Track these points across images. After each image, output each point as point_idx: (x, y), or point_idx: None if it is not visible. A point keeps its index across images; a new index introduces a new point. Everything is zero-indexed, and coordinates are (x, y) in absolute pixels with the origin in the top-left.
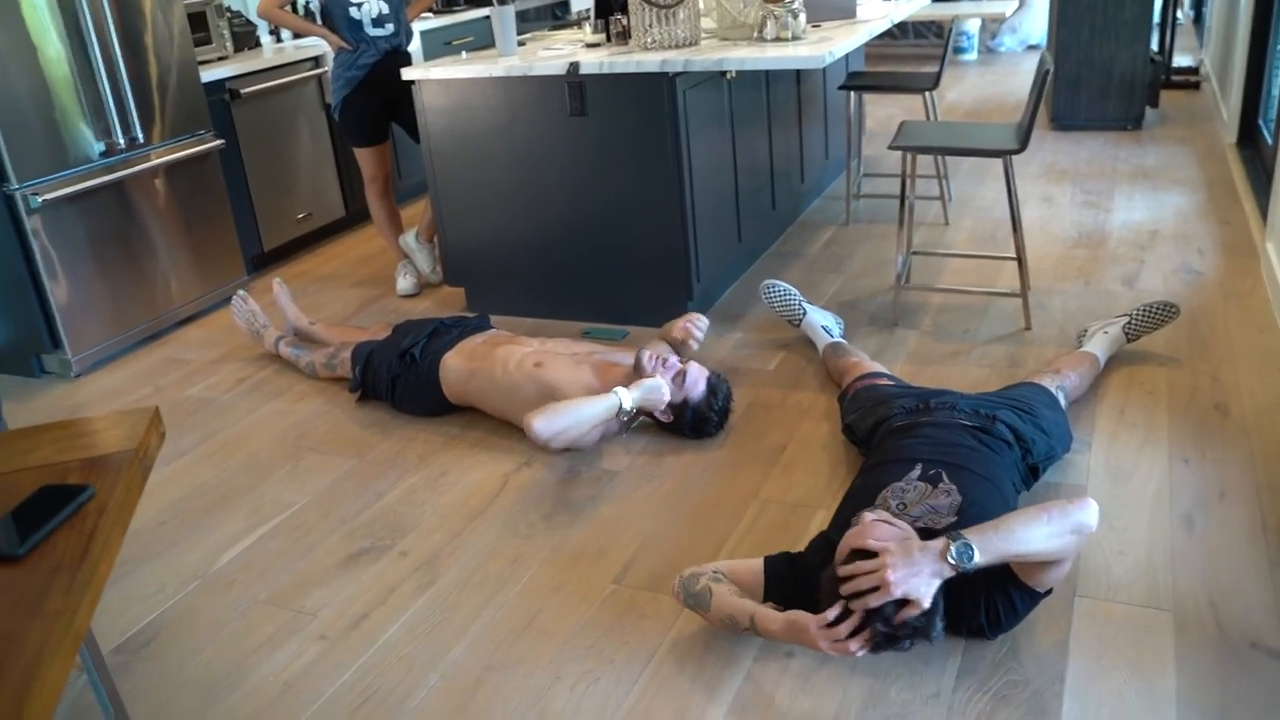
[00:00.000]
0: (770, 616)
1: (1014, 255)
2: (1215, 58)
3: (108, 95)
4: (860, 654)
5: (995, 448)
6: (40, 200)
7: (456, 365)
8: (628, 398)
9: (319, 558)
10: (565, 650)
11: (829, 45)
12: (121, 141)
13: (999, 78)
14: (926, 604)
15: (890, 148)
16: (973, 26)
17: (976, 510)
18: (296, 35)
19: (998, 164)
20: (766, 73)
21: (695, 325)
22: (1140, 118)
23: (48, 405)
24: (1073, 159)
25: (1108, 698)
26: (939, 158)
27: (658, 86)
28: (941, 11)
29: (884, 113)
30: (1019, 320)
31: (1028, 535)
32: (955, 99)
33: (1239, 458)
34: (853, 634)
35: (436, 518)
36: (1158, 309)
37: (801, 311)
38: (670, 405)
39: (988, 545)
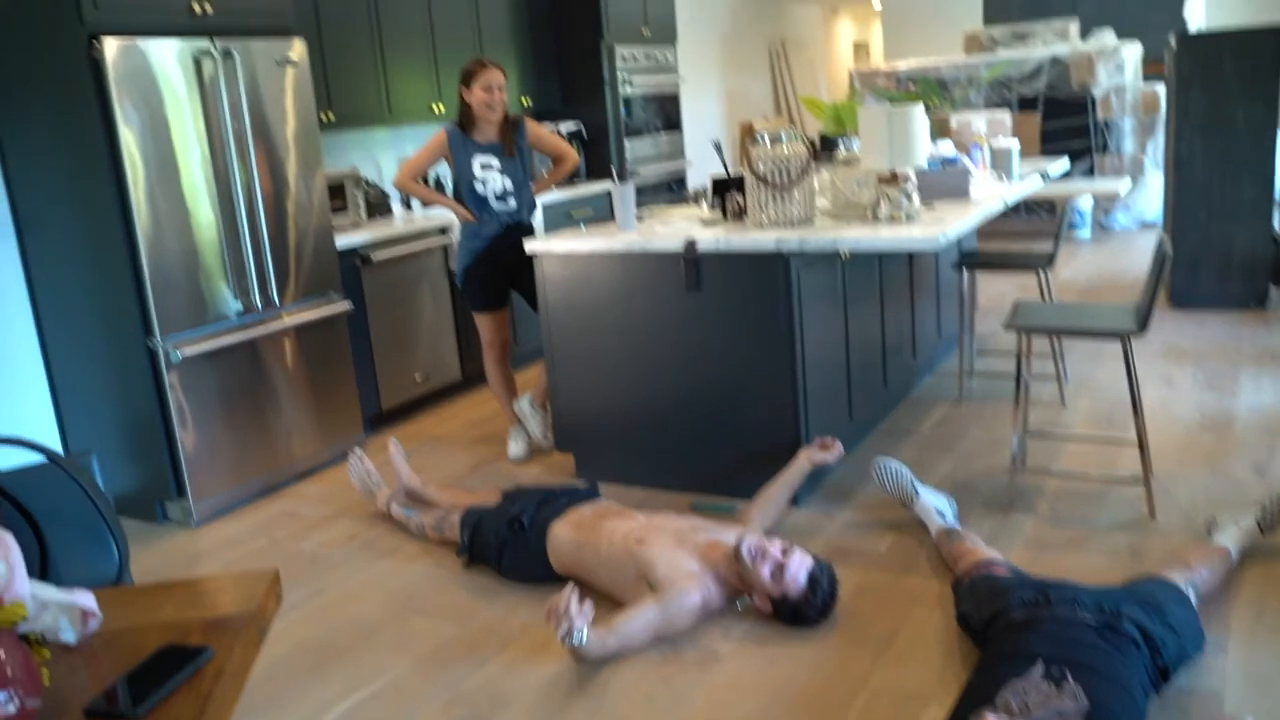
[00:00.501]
0: None
1: (1135, 439)
2: None
3: (250, 259)
4: None
5: (1122, 647)
6: (180, 354)
7: (564, 536)
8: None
9: None
10: None
11: (943, 227)
12: (258, 302)
13: (1113, 255)
14: None
15: (1006, 328)
16: (1085, 204)
17: (1105, 717)
18: (426, 205)
19: (1114, 343)
20: (880, 252)
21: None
22: (1264, 297)
23: (168, 552)
24: (1193, 339)
25: None
26: (1054, 336)
27: (772, 264)
28: (1055, 190)
29: (996, 289)
30: (1141, 508)
31: None
32: (1069, 276)
33: None
34: None
35: (539, 690)
36: None
37: (913, 492)
38: (769, 598)
39: None
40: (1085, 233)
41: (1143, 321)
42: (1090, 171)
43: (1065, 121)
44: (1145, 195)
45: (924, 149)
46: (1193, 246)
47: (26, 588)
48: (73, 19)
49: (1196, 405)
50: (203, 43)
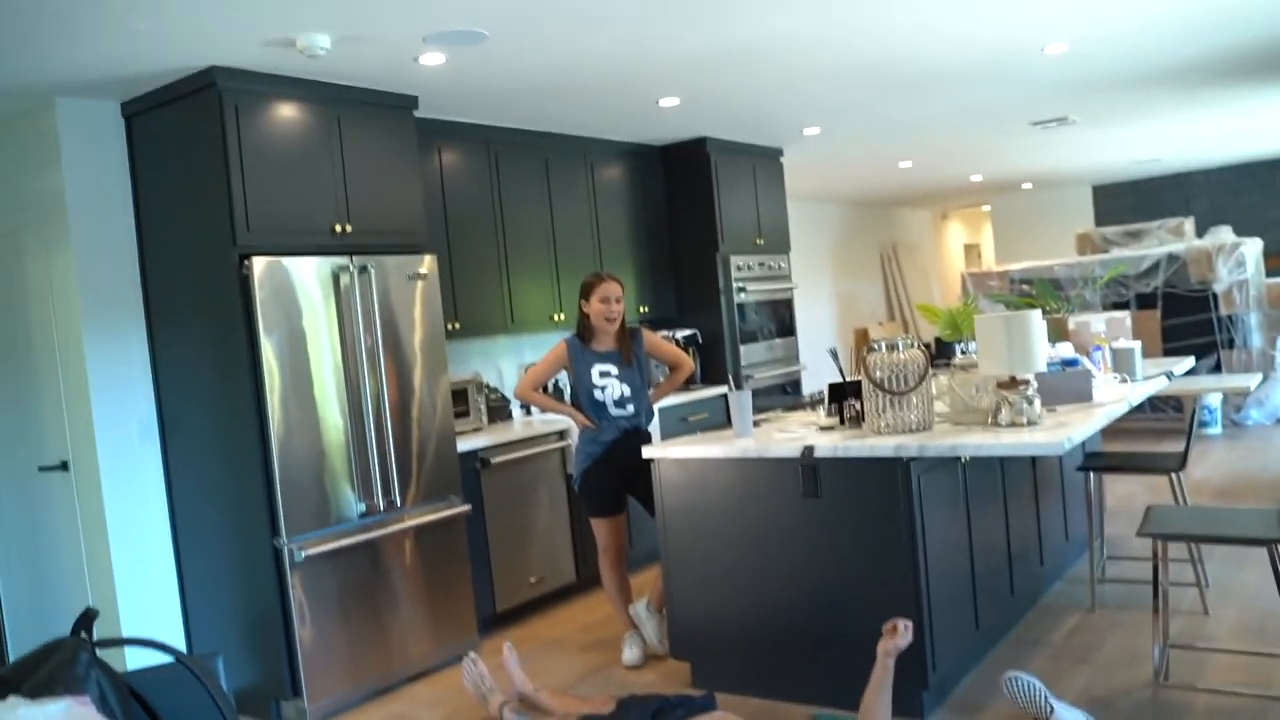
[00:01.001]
0: None
1: None
2: None
3: (374, 462)
4: None
5: None
6: (304, 555)
7: None
8: None
9: None
10: None
11: (1065, 431)
12: (380, 504)
13: (1247, 453)
14: None
15: (1140, 535)
16: (1215, 400)
17: None
18: (545, 412)
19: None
20: (1001, 457)
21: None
22: None
23: None
24: None
25: None
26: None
27: (891, 470)
28: (1181, 387)
29: (1125, 489)
30: None
31: None
32: (1202, 476)
33: None
34: None
35: None
36: None
37: (1049, 709)
38: None
39: None
40: (1216, 430)
41: None
42: (1217, 367)
43: (1186, 318)
44: (1278, 390)
45: (1042, 353)
46: None
47: None
48: (226, 241)
49: None
50: (342, 260)
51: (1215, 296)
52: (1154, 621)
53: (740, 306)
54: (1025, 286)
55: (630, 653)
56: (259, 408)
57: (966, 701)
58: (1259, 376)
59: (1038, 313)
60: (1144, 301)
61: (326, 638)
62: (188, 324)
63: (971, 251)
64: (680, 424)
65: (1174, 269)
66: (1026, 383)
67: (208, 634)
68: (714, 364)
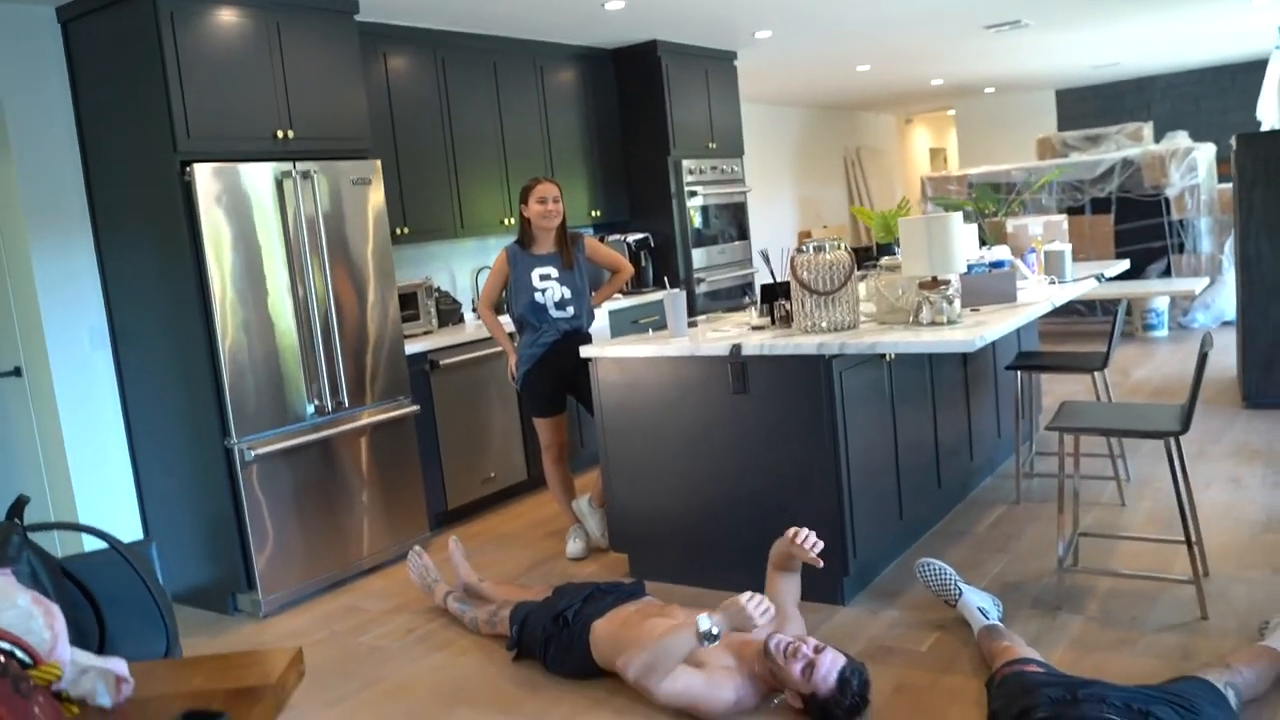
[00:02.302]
0: None
1: (1181, 539)
2: None
3: (323, 364)
4: None
5: None
6: (254, 454)
7: (606, 632)
8: (705, 620)
9: None
10: None
11: (980, 330)
12: (330, 405)
13: (1188, 356)
14: None
15: (1048, 428)
16: (1162, 304)
17: None
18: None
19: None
20: (929, 354)
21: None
22: None
23: (233, 642)
24: (1266, 438)
25: None
26: (1111, 438)
27: (815, 368)
28: (1131, 291)
29: (1065, 390)
30: (1194, 609)
31: None
32: (1143, 376)
33: None
34: None
35: None
36: None
37: (957, 592)
38: (799, 693)
39: None
40: (1163, 332)
41: (1185, 422)
42: (1167, 271)
43: (1139, 223)
44: (1225, 294)
45: (963, 254)
46: (1265, 346)
47: (67, 653)
48: (167, 148)
49: (1264, 506)
50: (285, 165)
51: (1167, 201)
52: (1059, 511)
53: (692, 210)
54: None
55: (574, 546)
56: (205, 313)
57: (886, 588)
58: (1205, 280)
59: (958, 215)
60: (1099, 206)
61: (281, 534)
62: (133, 231)
63: (937, 156)
64: (631, 326)
65: (1128, 174)
66: (947, 283)
67: (165, 534)
68: (666, 268)
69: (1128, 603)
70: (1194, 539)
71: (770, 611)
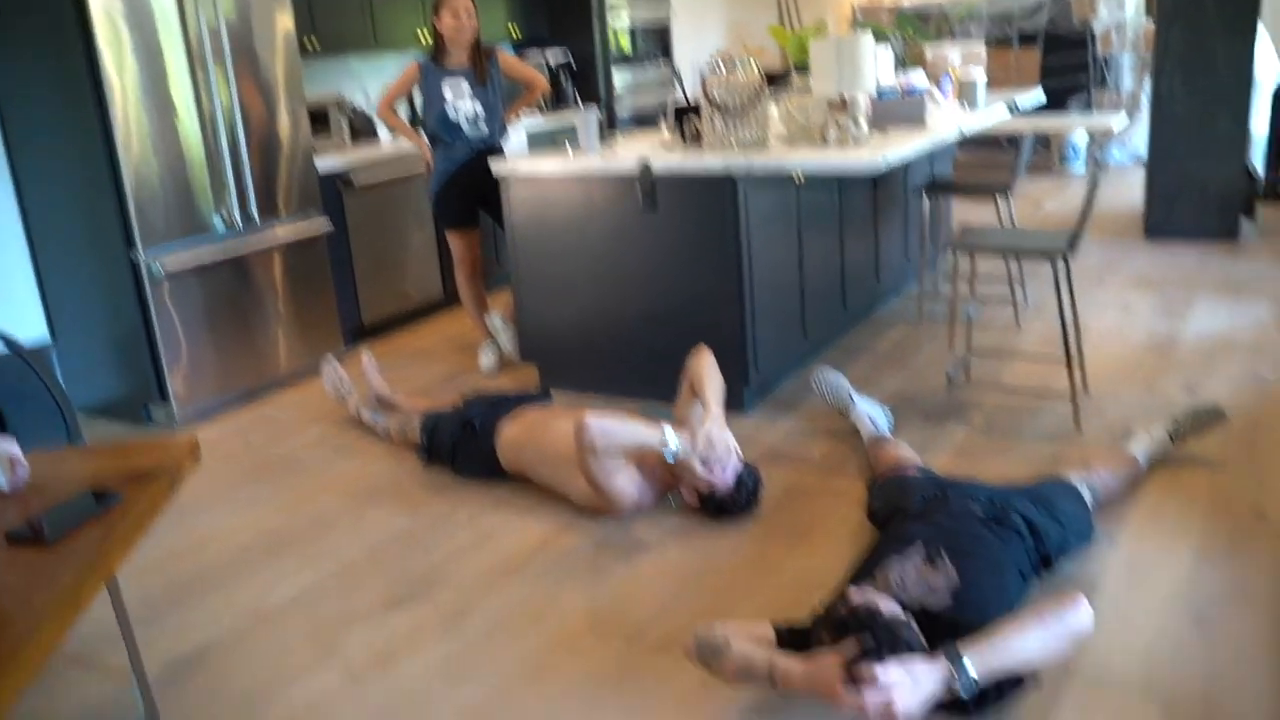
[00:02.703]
0: (791, 663)
1: (1065, 358)
2: None
3: (230, 177)
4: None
5: (1005, 537)
6: (161, 267)
7: (511, 436)
8: (674, 438)
9: (361, 602)
10: (566, 700)
11: (886, 151)
12: (239, 220)
13: (1102, 190)
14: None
15: (943, 248)
16: (1080, 138)
17: (972, 594)
18: (395, 136)
19: (1080, 271)
20: (838, 177)
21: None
22: (1235, 230)
23: None
24: (1161, 269)
25: None
26: (1010, 263)
27: (721, 185)
28: (1048, 125)
29: (978, 217)
30: (1070, 422)
31: (1024, 651)
32: (1054, 209)
33: (1267, 563)
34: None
35: (474, 573)
36: (1204, 413)
37: (850, 402)
38: (696, 490)
39: (986, 669)
40: (1079, 167)
41: (1072, 243)
42: (1088, 106)
43: (1065, 57)
44: (1142, 131)
45: (872, 75)
46: (1170, 180)
47: None
48: None
49: (1147, 330)
50: None
51: (1094, 36)
52: (951, 326)
53: (617, 31)
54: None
55: (486, 360)
56: (102, 119)
57: (786, 400)
58: (1123, 117)
59: (868, 36)
60: (1027, 40)
61: (193, 347)
62: (22, 39)
63: None
64: (550, 146)
65: (1058, 8)
66: (855, 104)
67: (74, 343)
68: (587, 89)
69: (1011, 416)
70: (1074, 358)
71: (726, 454)
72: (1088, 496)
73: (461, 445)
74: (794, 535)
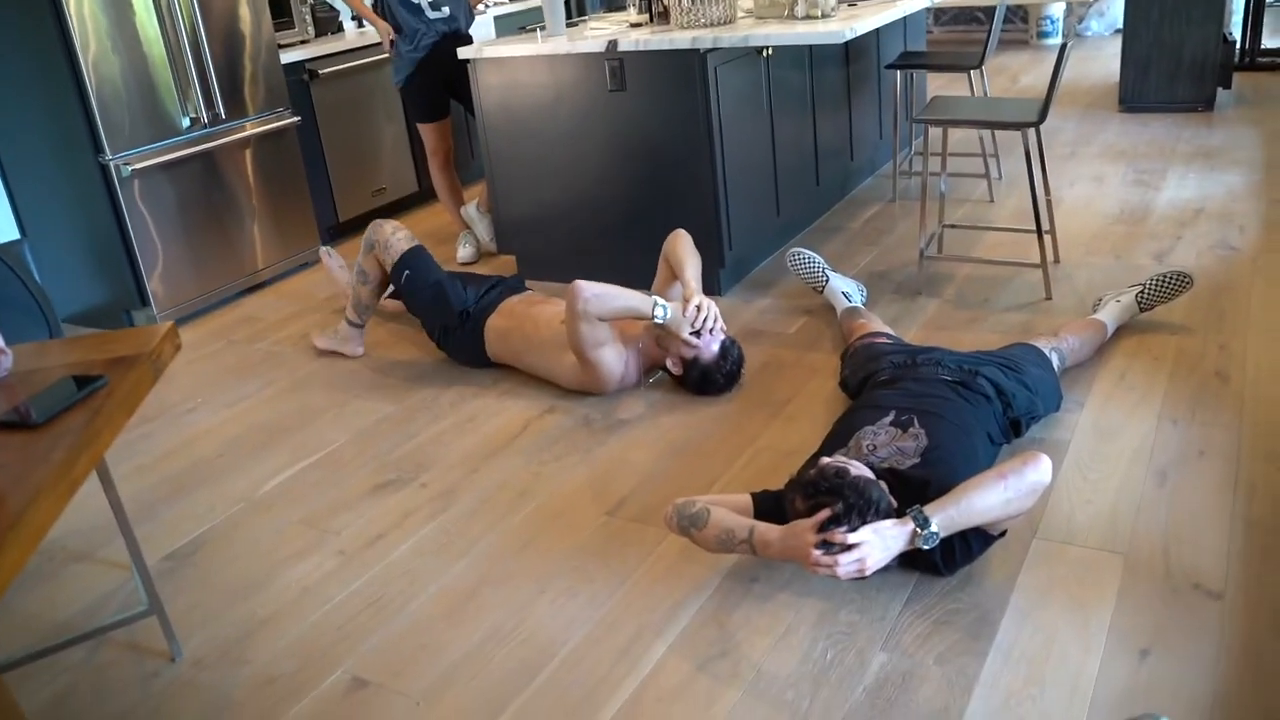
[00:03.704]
0: (769, 530)
1: (1035, 228)
2: None
3: (193, 74)
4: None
5: (973, 400)
6: (130, 170)
7: (498, 325)
8: (664, 308)
9: (349, 487)
10: (553, 569)
11: (854, 22)
12: (205, 116)
13: (1079, 63)
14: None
15: (913, 121)
16: (1057, 11)
17: (941, 454)
18: (354, 16)
19: (1054, 145)
20: (811, 52)
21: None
22: (1211, 99)
23: None
24: (1134, 140)
25: (1043, 625)
26: (984, 137)
27: (690, 63)
28: None
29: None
30: (1041, 291)
31: (985, 504)
32: (1029, 83)
33: (1228, 420)
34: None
35: (459, 455)
36: (1172, 278)
37: (824, 278)
38: (681, 359)
39: (949, 522)
40: (1056, 40)
41: (1042, 114)
42: None
43: None
44: (1119, 2)
45: None
46: (1145, 49)
47: None
48: None
49: (1119, 200)
50: None
51: None
52: (923, 200)
53: None
54: None
55: (464, 250)
56: (58, 18)
57: (761, 280)
58: None
59: None
60: None
61: (170, 250)
62: None
63: None
64: (517, 32)
65: None
66: None
67: (52, 262)
68: None
69: (982, 286)
70: (1045, 228)
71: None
72: (1055, 361)
73: (453, 333)
74: (771, 408)
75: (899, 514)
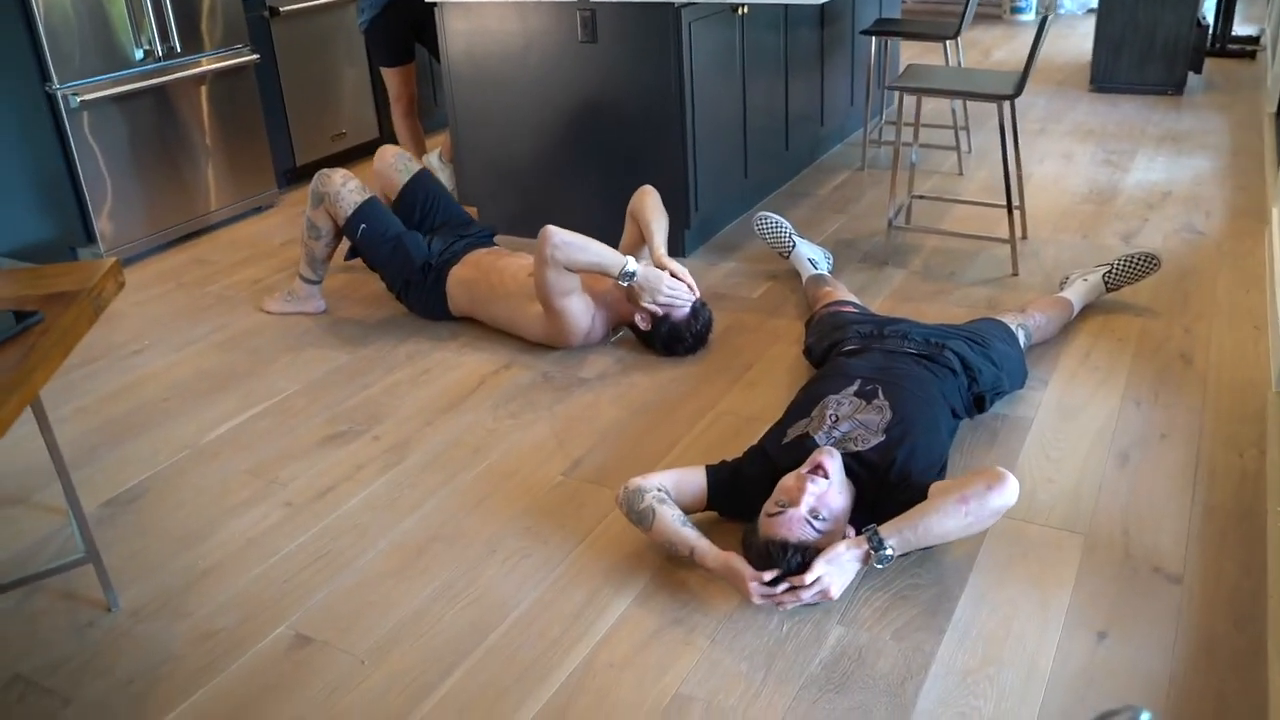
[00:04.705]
0: (709, 554)
1: (1006, 203)
2: (1276, 26)
3: (147, 4)
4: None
5: (938, 374)
6: (79, 100)
7: (461, 276)
8: (634, 265)
9: (299, 437)
10: (505, 529)
11: None
12: (160, 49)
13: (1051, 40)
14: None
15: (887, 88)
16: None
17: (904, 428)
18: None
19: (1024, 121)
20: (786, 14)
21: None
22: (1182, 83)
23: None
24: (1104, 120)
25: (1001, 604)
26: (955, 109)
27: (664, 17)
28: None
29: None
30: (1008, 266)
31: (944, 528)
32: (1002, 57)
33: (1190, 404)
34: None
35: (413, 408)
36: (1139, 260)
37: (791, 244)
38: (651, 315)
39: (904, 545)
40: (1030, 16)
41: (1019, 87)
42: None
43: None
44: None
45: None
46: (1119, 29)
47: None
48: None
49: (1087, 180)
50: None
51: None
52: (894, 169)
53: None
54: None
55: None
56: None
57: (726, 243)
58: None
59: None
60: None
61: (120, 186)
62: None
63: None
64: None
65: None
66: None
67: None
68: None
69: (949, 259)
70: (1016, 203)
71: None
72: (1021, 338)
73: (415, 285)
74: (734, 372)
75: (856, 527)
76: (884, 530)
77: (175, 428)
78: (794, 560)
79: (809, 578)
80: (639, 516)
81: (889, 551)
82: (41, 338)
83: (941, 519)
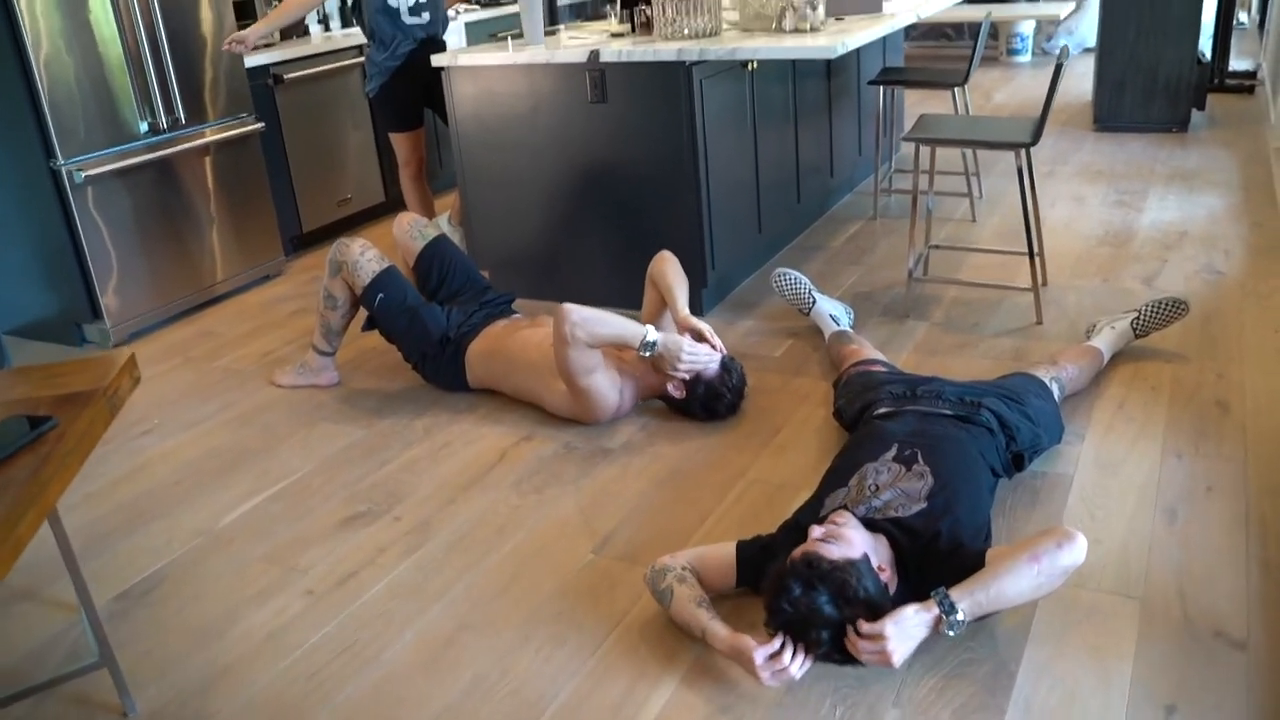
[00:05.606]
0: (717, 636)
1: (1025, 250)
2: (1273, 61)
3: (152, 76)
4: (800, 674)
5: (976, 434)
6: (84, 176)
7: (480, 350)
8: (655, 334)
9: (317, 520)
10: (537, 614)
11: (844, 37)
12: (165, 122)
13: (1048, 80)
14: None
15: (903, 139)
16: (1027, 28)
17: (947, 496)
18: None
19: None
20: (794, 67)
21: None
22: (1186, 120)
23: None
24: (1111, 160)
25: (1062, 678)
26: (966, 155)
27: (675, 75)
28: (997, 14)
29: (932, 109)
30: (1031, 315)
31: (1016, 589)
32: (1003, 100)
33: (1233, 454)
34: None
35: (433, 486)
36: (1167, 305)
37: (811, 300)
38: (683, 381)
39: (976, 609)
40: (1026, 57)
41: (1036, 134)
42: None
43: None
44: (1089, 19)
45: None
46: (1119, 68)
47: None
48: None
49: (1101, 222)
50: None
51: None
52: (912, 225)
53: None
54: None
55: None
56: (6, 14)
57: (744, 300)
58: (1070, 5)
59: None
60: None
61: (125, 260)
62: None
63: None
64: (489, 39)
65: None
66: None
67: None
68: None
69: (971, 310)
70: (1036, 250)
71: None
72: (1055, 391)
73: (432, 358)
74: (761, 436)
75: (918, 596)
76: (954, 593)
77: (188, 513)
78: (802, 583)
79: (872, 628)
80: (660, 596)
81: (960, 616)
82: (57, 445)
83: (1015, 580)
